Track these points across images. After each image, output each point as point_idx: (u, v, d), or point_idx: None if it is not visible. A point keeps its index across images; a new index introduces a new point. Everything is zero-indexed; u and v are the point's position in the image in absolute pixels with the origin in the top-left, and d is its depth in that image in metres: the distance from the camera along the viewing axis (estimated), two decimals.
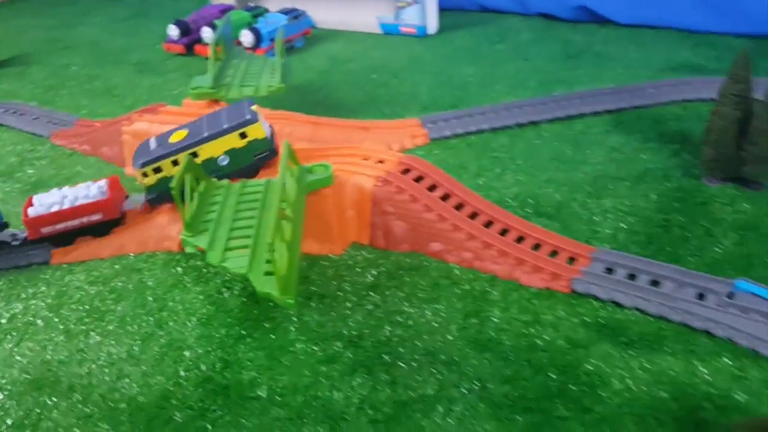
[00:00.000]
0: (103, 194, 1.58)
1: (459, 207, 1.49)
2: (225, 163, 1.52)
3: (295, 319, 1.30)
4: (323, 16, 3.17)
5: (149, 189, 1.54)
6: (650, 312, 1.21)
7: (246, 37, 2.79)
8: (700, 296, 1.22)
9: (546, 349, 1.17)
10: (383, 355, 1.20)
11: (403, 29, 2.93)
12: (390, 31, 2.97)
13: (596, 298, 1.27)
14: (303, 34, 2.97)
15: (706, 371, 1.08)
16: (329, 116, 2.04)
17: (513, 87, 2.24)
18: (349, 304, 1.33)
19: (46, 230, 1.55)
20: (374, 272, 1.43)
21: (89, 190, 1.59)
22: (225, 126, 1.50)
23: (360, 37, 3.01)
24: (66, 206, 1.55)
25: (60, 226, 1.55)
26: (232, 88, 2.02)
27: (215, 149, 1.50)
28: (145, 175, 1.51)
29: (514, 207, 1.59)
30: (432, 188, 1.52)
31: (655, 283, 1.27)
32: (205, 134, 1.50)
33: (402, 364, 1.17)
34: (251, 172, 1.54)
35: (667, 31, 2.50)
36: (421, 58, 2.66)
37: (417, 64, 2.59)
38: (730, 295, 1.20)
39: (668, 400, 1.04)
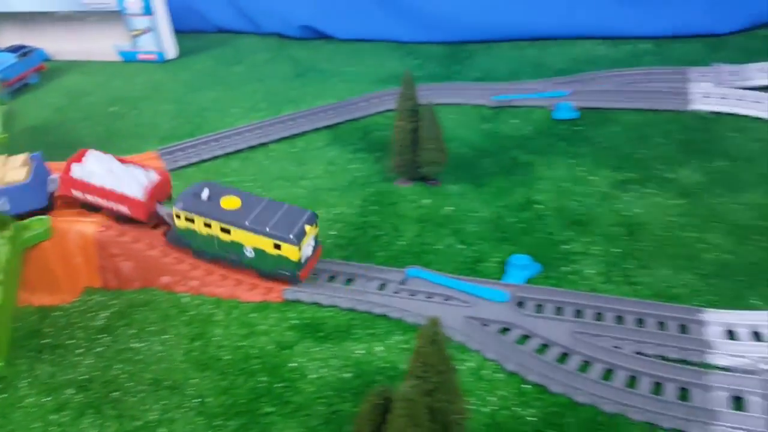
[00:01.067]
0: (142, 193, 1.56)
1: None
2: (250, 255, 1.48)
3: (26, 374, 1.36)
4: (58, 48, 3.09)
5: (177, 227, 1.53)
6: (343, 306, 1.45)
7: None
8: (382, 286, 1.49)
9: (258, 356, 1.37)
10: (112, 393, 1.31)
11: (142, 56, 2.97)
12: (130, 59, 2.99)
13: (303, 303, 1.49)
14: (36, 70, 2.89)
15: (381, 349, 1.35)
16: (66, 158, 2.06)
17: (247, 110, 2.41)
18: (80, 350, 1.42)
19: (76, 193, 1.58)
20: (106, 314, 1.52)
21: (137, 180, 1.58)
22: (267, 229, 1.43)
23: (99, 66, 2.99)
24: (106, 184, 1.56)
25: (89, 198, 1.57)
26: None
27: (247, 239, 1.45)
28: (178, 216, 1.50)
29: None
30: (156, 225, 1.64)
31: (349, 281, 1.53)
32: (246, 223, 1.44)
33: (129, 398, 1.30)
34: (268, 277, 1.51)
35: (380, 43, 2.83)
36: (161, 85, 2.73)
37: (157, 93, 2.66)
38: (403, 282, 1.49)
39: (351, 379, 1.29)
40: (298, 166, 2.05)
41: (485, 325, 1.35)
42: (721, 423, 1.08)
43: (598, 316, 1.33)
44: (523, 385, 1.22)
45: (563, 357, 1.26)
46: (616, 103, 2.08)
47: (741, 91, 2.01)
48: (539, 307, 1.37)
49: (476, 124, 2.14)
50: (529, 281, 1.46)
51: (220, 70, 2.81)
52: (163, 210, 1.59)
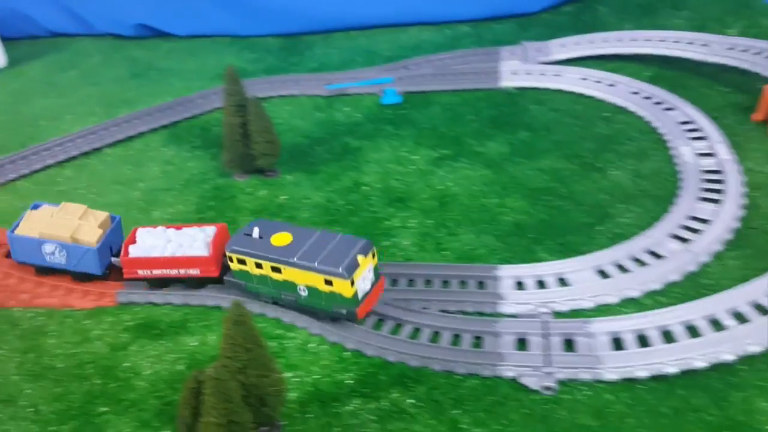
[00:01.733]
0: (206, 249, 1.48)
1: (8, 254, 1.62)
2: (304, 294, 1.37)
3: None
4: None
5: (232, 272, 1.46)
6: (177, 303, 1.51)
7: None
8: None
9: (92, 360, 1.40)
10: None
11: None
12: None
13: (138, 304, 1.53)
14: None
15: (215, 338, 1.42)
16: None
17: (82, 116, 2.37)
18: None
19: (142, 273, 1.51)
20: None
21: (195, 240, 1.51)
22: (315, 264, 1.32)
23: None
24: (167, 253, 1.48)
25: (156, 272, 1.50)
26: None
27: (299, 277, 1.35)
28: (230, 259, 1.43)
29: None
30: None
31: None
32: (294, 259, 1.34)
33: None
34: (326, 318, 1.39)
35: (219, 39, 2.85)
36: None
37: None
38: None
39: (184, 371, 1.35)
40: (134, 168, 2.05)
41: None
42: (507, 363, 1.24)
43: (411, 283, 1.47)
44: (343, 353, 1.34)
45: (379, 323, 1.39)
46: (436, 86, 2.24)
47: (543, 66, 2.22)
48: None
49: (311, 114, 2.23)
50: None
51: (52, 77, 2.72)
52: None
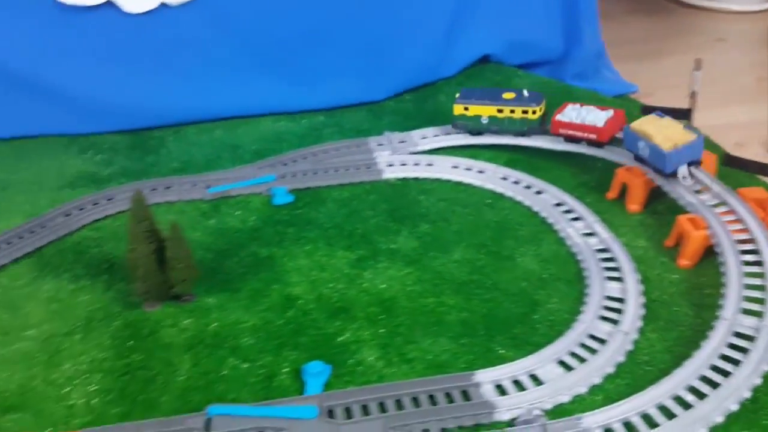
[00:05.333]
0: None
1: None
2: None
3: None
4: None
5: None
6: None
7: None
8: None
9: None
10: None
11: None
12: None
13: None
14: None
15: None
16: None
17: None
18: None
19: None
20: None
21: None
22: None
23: None
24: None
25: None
26: None
27: None
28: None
29: None
30: None
31: None
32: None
33: None
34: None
35: (48, 139, 2.53)
36: None
37: None
38: (208, 427, 1.43)
39: None
40: (10, 313, 1.75)
41: None
42: None
43: (398, 405, 1.49)
44: None
45: None
46: (321, 181, 2.27)
47: (415, 156, 2.40)
48: (347, 411, 1.48)
49: (200, 222, 2.11)
50: (327, 386, 1.55)
51: None
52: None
